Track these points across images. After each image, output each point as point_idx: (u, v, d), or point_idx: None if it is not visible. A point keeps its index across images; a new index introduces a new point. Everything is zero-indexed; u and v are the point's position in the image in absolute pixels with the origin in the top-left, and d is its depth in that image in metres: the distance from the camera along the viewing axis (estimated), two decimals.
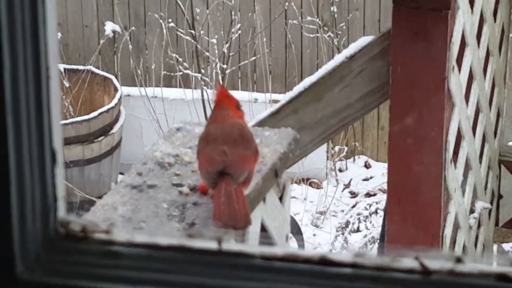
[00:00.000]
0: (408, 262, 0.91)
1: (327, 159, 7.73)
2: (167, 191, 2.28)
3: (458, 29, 3.46)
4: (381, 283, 0.90)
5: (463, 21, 3.51)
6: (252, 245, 0.92)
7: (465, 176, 3.79)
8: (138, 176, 2.33)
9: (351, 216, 7.28)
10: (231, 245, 0.92)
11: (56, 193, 0.91)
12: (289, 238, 2.57)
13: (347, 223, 7.19)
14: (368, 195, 7.51)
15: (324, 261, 0.91)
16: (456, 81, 3.49)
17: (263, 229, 2.43)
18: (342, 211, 7.48)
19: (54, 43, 0.88)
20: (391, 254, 0.92)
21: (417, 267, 0.90)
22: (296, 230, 5.24)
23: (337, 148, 7.76)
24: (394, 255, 0.92)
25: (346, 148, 7.80)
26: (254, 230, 2.34)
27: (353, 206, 7.43)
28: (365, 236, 6.99)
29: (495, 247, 4.41)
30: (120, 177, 7.19)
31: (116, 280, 0.90)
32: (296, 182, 7.63)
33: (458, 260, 0.91)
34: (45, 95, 0.88)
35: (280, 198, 2.55)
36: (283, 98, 3.70)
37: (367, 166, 7.93)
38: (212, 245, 0.91)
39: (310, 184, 7.72)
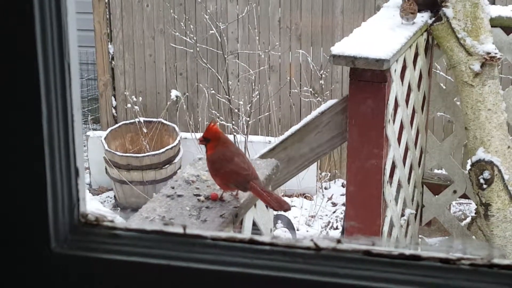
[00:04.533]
0: (306, 242, 0.90)
1: (317, 180, 7.69)
2: (190, 199, 2.28)
3: (393, 95, 3.46)
4: (288, 256, 0.89)
5: (396, 90, 3.51)
6: (205, 230, 0.92)
7: (398, 192, 3.78)
8: (171, 189, 2.33)
9: (331, 219, 7.23)
10: (192, 230, 0.92)
11: (78, 196, 0.91)
12: (272, 230, 2.55)
13: (329, 223, 7.15)
14: (343, 204, 7.45)
15: (252, 241, 0.90)
16: (391, 129, 3.48)
17: (254, 224, 2.43)
18: (326, 215, 7.42)
19: (77, 98, 0.89)
20: (296, 238, 0.92)
21: (312, 245, 0.90)
22: (291, 227, 5.19)
23: (323, 173, 7.73)
24: (297, 238, 0.92)
25: (329, 174, 7.77)
26: (248, 224, 2.34)
27: (333, 212, 7.37)
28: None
29: (419, 239, 4.37)
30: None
31: (117, 253, 0.90)
32: (296, 196, 7.59)
33: (338, 241, 0.90)
34: (70, 132, 0.89)
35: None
36: (277, 139, 3.70)
37: (343, 185, 7.87)
38: (180, 230, 0.92)
39: (305, 197, 7.66)
